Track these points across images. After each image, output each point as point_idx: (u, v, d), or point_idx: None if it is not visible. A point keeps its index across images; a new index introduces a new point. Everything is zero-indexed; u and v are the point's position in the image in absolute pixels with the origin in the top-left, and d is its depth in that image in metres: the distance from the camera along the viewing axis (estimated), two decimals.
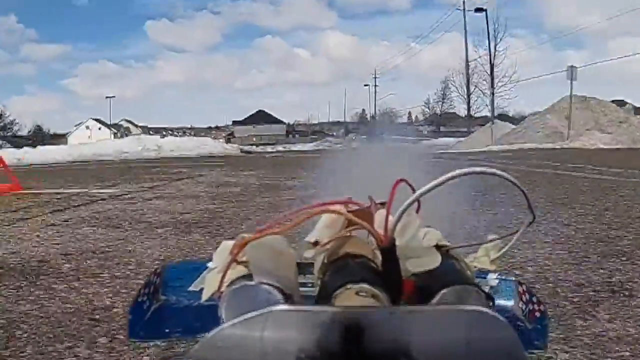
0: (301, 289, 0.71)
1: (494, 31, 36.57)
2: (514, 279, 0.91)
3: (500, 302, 0.84)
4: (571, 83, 19.35)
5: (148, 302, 0.82)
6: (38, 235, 3.36)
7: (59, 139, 56.10)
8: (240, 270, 0.63)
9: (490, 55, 36.24)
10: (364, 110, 55.23)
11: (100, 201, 5.20)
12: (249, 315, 0.48)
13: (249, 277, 0.62)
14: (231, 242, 0.67)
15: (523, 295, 0.86)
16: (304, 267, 0.77)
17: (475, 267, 0.79)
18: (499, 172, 0.69)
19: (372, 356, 0.47)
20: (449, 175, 0.60)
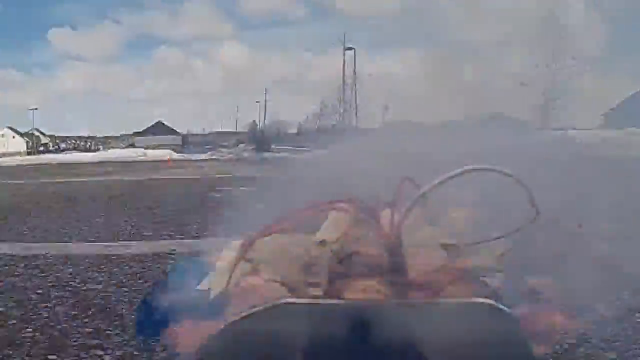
0: (309, 288, 0.72)
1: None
2: (518, 279, 0.91)
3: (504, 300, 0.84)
4: None
5: (156, 301, 0.83)
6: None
7: None
8: (248, 268, 0.64)
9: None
10: (254, 121, 56.63)
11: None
12: (258, 308, 0.49)
13: (256, 274, 0.62)
14: (238, 242, 0.67)
15: (527, 295, 0.86)
16: (310, 266, 0.77)
17: (480, 265, 0.79)
18: (502, 169, 0.69)
19: (381, 348, 0.47)
20: (452, 173, 0.61)
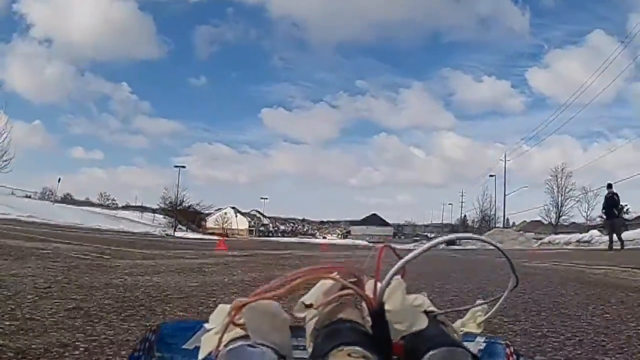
0: (294, 351, 0.74)
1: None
2: (502, 341, 0.93)
3: None
4: None
5: (143, 358, 0.84)
6: None
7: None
8: (237, 332, 0.66)
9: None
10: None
11: None
12: None
13: (245, 338, 0.64)
14: (227, 306, 0.70)
15: (511, 357, 0.88)
16: (296, 331, 0.79)
17: (462, 330, 0.82)
18: (481, 237, 0.74)
19: None
20: (434, 242, 0.65)
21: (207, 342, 0.69)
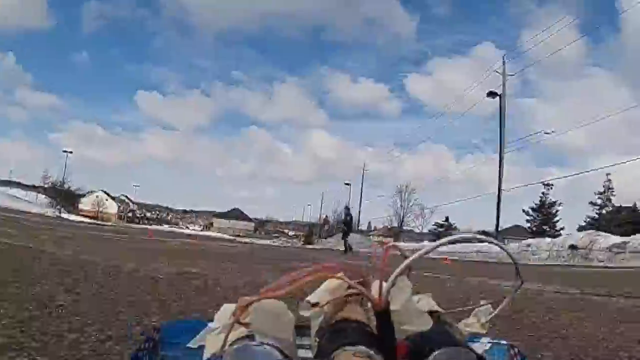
0: (299, 350, 0.74)
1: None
2: (505, 342, 0.93)
3: None
4: None
5: (147, 357, 0.84)
6: None
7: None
8: (242, 331, 0.66)
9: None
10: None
11: None
12: None
13: (250, 337, 0.64)
14: (232, 305, 0.70)
15: (515, 358, 0.88)
16: (301, 330, 0.79)
17: (467, 331, 0.82)
18: (488, 238, 0.74)
19: None
20: (439, 242, 0.65)
21: (212, 341, 0.69)
